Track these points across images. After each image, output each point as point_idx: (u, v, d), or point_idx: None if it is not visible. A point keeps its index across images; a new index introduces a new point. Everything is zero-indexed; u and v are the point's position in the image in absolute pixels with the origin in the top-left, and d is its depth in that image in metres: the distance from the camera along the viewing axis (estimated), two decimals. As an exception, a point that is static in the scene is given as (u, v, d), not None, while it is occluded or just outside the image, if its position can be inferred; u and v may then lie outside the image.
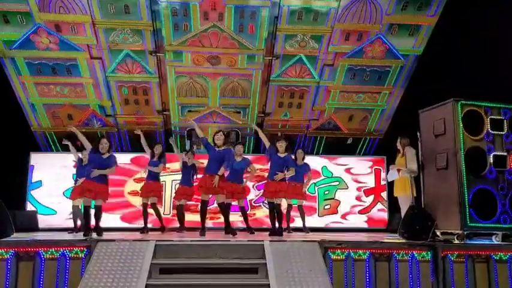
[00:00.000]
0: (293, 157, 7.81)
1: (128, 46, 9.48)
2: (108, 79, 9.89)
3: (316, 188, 10.31)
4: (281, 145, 7.13)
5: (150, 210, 7.77)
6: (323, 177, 10.42)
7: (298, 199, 8.11)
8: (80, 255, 5.17)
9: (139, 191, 8.06)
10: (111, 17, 9.02)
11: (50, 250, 5.13)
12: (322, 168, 10.42)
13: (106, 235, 6.42)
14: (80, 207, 7.83)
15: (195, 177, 8.15)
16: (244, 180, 7.79)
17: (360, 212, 10.35)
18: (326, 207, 10.32)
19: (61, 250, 5.15)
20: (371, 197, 10.44)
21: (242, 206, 7.75)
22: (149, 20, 9.09)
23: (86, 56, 9.51)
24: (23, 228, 7.83)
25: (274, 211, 7.10)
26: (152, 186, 7.77)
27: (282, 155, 7.11)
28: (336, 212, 10.31)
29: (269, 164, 7.22)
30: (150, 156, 7.90)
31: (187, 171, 8.08)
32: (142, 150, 8.21)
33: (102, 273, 4.82)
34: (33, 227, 8.97)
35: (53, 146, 10.51)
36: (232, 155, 7.24)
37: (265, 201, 8.63)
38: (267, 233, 7.15)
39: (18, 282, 5.03)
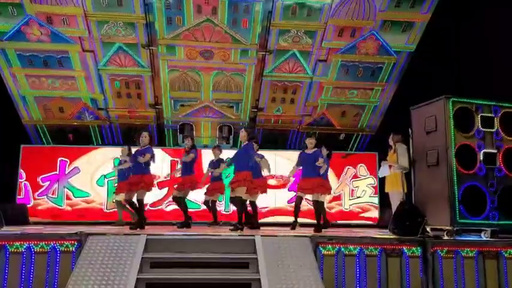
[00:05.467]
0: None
1: (120, 39, 9.40)
2: (100, 72, 9.80)
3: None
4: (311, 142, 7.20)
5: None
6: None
7: None
8: (71, 249, 5.13)
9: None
10: (104, 9, 8.93)
11: (40, 244, 5.10)
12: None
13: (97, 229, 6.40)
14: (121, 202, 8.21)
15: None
16: None
17: None
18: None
19: (51, 244, 5.12)
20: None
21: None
22: (142, 13, 9.01)
23: (78, 48, 9.42)
24: (14, 222, 7.77)
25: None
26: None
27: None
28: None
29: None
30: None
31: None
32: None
33: (92, 267, 4.80)
34: (24, 220, 8.90)
35: (43, 139, 10.43)
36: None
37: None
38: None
39: (8, 276, 4.99)
